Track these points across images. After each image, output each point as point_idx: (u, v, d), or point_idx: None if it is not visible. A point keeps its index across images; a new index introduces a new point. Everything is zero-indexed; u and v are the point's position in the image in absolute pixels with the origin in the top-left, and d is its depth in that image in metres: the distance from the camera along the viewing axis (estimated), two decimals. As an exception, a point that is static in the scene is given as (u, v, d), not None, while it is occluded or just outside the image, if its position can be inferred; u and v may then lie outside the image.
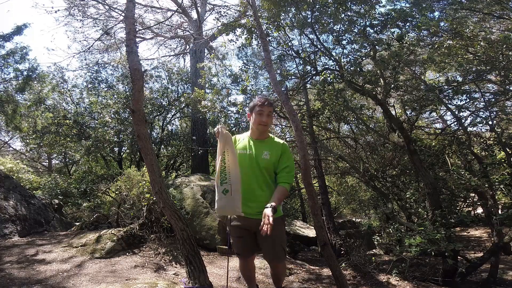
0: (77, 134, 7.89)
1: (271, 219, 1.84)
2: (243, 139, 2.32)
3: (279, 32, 4.78)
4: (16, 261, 3.33)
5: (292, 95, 5.66)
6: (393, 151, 5.90)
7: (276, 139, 2.32)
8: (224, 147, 2.12)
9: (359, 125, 6.25)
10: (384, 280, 3.78)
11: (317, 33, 4.63)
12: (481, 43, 3.86)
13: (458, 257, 3.86)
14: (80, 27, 9.65)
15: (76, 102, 8.85)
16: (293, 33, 5.41)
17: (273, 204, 1.96)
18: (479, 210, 6.62)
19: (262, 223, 1.88)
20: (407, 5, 4.40)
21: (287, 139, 7.83)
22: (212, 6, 10.34)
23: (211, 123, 8.77)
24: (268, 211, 1.90)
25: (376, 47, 4.23)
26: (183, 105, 8.92)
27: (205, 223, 4.67)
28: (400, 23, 4.05)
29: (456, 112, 4.65)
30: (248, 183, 2.16)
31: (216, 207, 2.13)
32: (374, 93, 4.62)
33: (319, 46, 4.75)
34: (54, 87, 8.69)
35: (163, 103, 8.97)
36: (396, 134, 5.17)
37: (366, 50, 4.42)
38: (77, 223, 5.90)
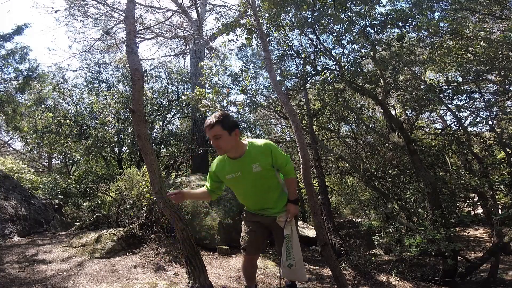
0: (77, 134, 7.89)
1: (290, 216, 2.14)
2: (223, 164, 2.16)
3: (279, 32, 4.78)
4: (16, 261, 3.33)
5: (292, 95, 5.66)
6: (393, 151, 5.90)
7: (254, 146, 2.09)
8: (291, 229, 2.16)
9: (359, 125, 6.25)
10: (384, 280, 3.78)
11: (317, 33, 4.63)
12: (481, 43, 3.86)
13: (458, 257, 3.86)
14: (81, 27, 9.68)
15: (76, 102, 8.85)
16: (293, 33, 5.41)
17: (293, 199, 2.22)
18: (479, 210, 6.62)
19: (281, 216, 2.17)
20: (407, 5, 4.39)
21: (287, 139, 7.84)
22: (212, 6, 10.35)
23: (211, 123, 8.75)
24: (292, 208, 2.18)
25: (376, 47, 4.23)
26: (183, 105, 8.91)
27: (205, 223, 4.67)
28: (400, 23, 4.04)
29: (456, 112, 4.65)
30: (258, 195, 2.21)
31: (281, 272, 2.25)
32: (374, 93, 4.62)
33: (319, 46, 4.75)
34: (54, 87, 8.69)
35: (163, 103, 8.98)
36: (396, 134, 5.18)
37: (366, 50, 4.42)
38: (77, 223, 5.91)
